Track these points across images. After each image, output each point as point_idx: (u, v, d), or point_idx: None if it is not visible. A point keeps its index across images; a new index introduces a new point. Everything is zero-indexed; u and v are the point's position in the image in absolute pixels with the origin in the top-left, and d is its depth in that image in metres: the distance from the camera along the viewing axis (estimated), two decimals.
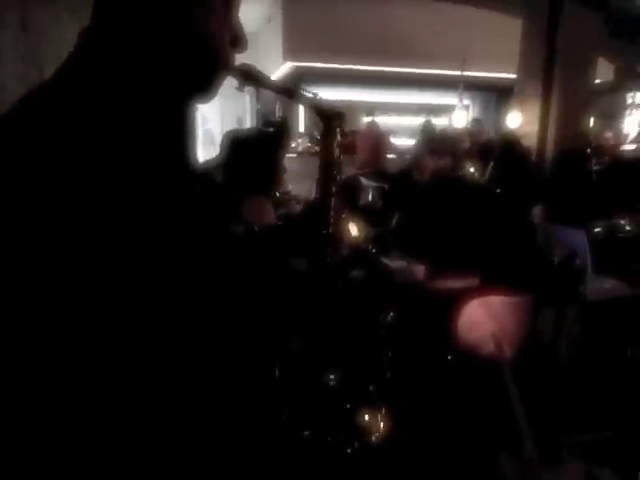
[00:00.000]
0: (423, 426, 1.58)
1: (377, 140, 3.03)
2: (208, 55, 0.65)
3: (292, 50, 5.88)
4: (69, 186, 0.51)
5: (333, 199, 0.90)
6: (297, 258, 1.07)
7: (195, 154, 0.70)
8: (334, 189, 0.90)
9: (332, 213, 0.90)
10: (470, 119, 8.43)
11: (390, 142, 4.29)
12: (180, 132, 0.67)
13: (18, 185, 0.51)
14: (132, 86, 0.60)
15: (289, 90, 0.85)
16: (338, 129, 0.88)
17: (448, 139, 2.23)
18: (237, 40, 0.69)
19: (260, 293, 0.93)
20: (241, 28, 0.69)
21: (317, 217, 0.90)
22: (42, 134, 0.52)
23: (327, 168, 0.89)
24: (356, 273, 1.53)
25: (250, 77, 0.77)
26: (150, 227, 0.56)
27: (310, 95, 0.86)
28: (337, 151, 0.89)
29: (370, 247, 2.07)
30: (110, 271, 0.52)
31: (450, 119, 6.03)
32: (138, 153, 0.57)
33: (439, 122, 7.04)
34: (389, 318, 1.56)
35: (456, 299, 1.88)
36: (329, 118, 0.87)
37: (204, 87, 0.68)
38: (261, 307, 0.89)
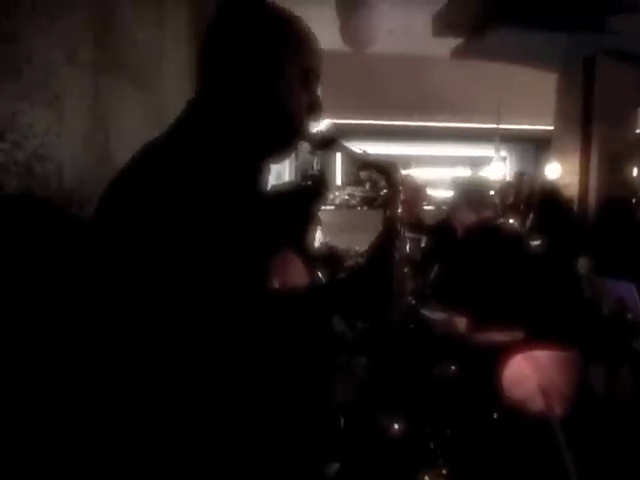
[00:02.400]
0: None
1: (413, 193, 3.08)
2: (286, 122, 0.76)
3: (330, 108, 6.11)
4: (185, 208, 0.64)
5: (397, 254, 0.87)
6: (355, 315, 1.04)
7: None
8: (398, 244, 0.88)
9: (396, 269, 0.86)
10: (509, 171, 8.43)
11: (427, 194, 4.32)
12: (259, 181, 0.80)
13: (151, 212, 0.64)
14: (225, 144, 0.73)
15: (355, 154, 0.88)
16: (399, 182, 0.88)
17: (485, 192, 2.25)
18: (313, 109, 0.79)
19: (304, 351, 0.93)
20: (318, 99, 0.79)
21: (381, 273, 0.86)
22: (162, 176, 0.67)
23: (391, 222, 0.87)
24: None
25: (326, 144, 0.82)
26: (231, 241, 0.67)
27: (371, 154, 0.90)
28: (400, 205, 0.88)
29: (410, 299, 2.07)
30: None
31: (488, 171, 6.04)
32: (228, 196, 0.70)
33: (476, 174, 7.06)
34: (448, 371, 1.51)
35: (500, 353, 1.83)
36: (389, 172, 0.87)
37: (282, 149, 0.79)
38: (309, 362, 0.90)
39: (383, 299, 0.85)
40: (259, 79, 0.72)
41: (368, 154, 0.89)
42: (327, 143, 0.82)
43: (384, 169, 0.88)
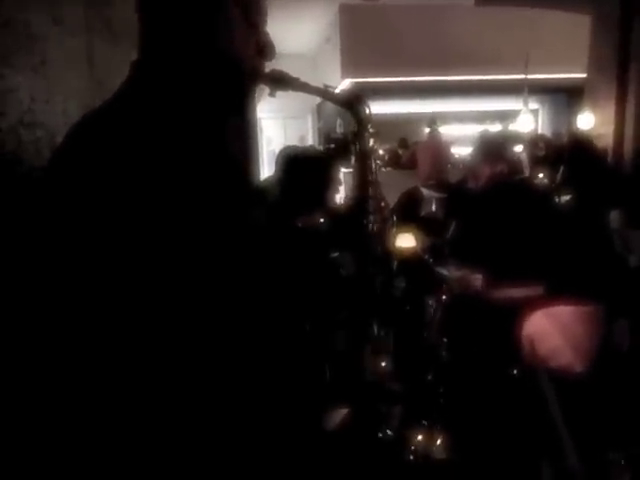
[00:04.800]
0: (480, 443, 1.51)
1: (438, 151, 3.00)
2: (233, 65, 0.71)
3: (350, 67, 5.95)
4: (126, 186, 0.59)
5: (371, 191, 0.87)
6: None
7: (257, 172, 0.74)
8: (371, 179, 0.87)
9: (372, 206, 0.87)
10: (542, 123, 8.06)
11: (451, 152, 4.20)
12: (222, 134, 0.73)
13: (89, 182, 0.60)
14: (175, 100, 0.69)
15: (321, 90, 0.84)
16: (366, 118, 0.84)
17: (501, 144, 2.15)
18: (264, 50, 0.74)
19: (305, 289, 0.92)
20: (268, 38, 0.74)
21: (357, 211, 0.88)
22: (105, 144, 0.62)
23: (361, 160, 0.86)
24: (401, 283, 1.50)
25: (280, 82, 0.79)
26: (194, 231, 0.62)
27: (333, 90, 0.85)
28: (369, 142, 0.86)
29: (426, 257, 2.03)
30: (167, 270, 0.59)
31: (517, 125, 5.79)
32: (184, 160, 0.64)
33: (505, 128, 6.79)
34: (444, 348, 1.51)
35: (518, 309, 1.79)
36: (352, 105, 0.84)
37: (237, 95, 0.74)
38: (308, 302, 0.89)
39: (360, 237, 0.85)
40: (197, 21, 0.68)
41: (327, 90, 0.84)
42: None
43: (346, 103, 0.85)
